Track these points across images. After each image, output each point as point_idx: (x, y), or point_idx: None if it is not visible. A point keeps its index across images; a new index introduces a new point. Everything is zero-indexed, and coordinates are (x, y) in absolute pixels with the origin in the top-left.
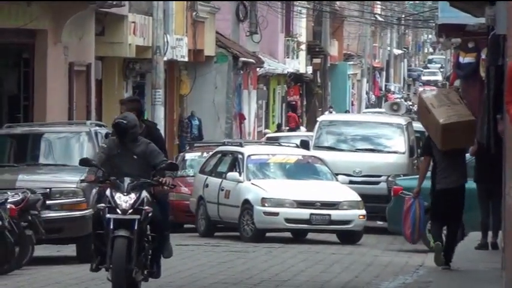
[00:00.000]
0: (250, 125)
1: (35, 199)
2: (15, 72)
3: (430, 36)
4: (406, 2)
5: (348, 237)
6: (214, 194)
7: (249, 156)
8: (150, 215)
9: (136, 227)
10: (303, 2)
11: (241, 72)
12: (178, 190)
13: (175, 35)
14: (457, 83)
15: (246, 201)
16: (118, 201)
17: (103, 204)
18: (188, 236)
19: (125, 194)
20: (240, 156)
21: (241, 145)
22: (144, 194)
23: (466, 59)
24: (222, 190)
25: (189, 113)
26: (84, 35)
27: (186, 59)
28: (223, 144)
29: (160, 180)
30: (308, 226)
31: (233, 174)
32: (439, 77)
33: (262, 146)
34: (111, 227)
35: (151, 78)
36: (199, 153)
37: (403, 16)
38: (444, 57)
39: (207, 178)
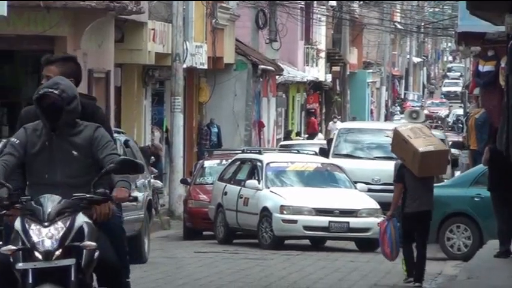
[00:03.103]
0: (270, 132)
1: None
2: (35, 79)
3: (449, 44)
4: (426, 10)
5: (367, 244)
6: (233, 202)
7: (268, 163)
8: (96, 255)
9: (73, 278)
10: (323, 9)
11: (261, 79)
12: (197, 197)
13: (195, 42)
14: (476, 91)
15: (265, 209)
16: (35, 238)
17: (11, 247)
18: (207, 243)
19: (46, 224)
20: (259, 163)
21: (260, 153)
22: (81, 219)
23: (486, 67)
24: (241, 197)
25: (208, 121)
26: (104, 42)
27: (206, 67)
28: (242, 151)
29: (111, 195)
30: (327, 234)
31: (252, 182)
32: (460, 88)
33: (281, 154)
34: (30, 281)
35: (170, 85)
36: (218, 161)
37: (423, 24)
38: (463, 65)
39: (226, 186)
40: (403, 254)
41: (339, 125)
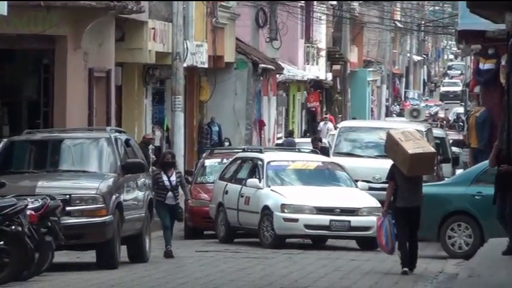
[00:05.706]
0: (270, 131)
1: (55, 205)
2: (35, 78)
3: (450, 42)
4: (426, 8)
5: (368, 243)
6: (234, 200)
7: (268, 162)
8: None
9: None
10: (323, 8)
11: (261, 78)
12: (198, 196)
13: (195, 41)
14: (477, 89)
15: (266, 208)
16: None
17: None
18: (208, 242)
19: None
20: (259, 162)
21: (261, 151)
22: None
23: (486, 65)
24: (242, 196)
25: (208, 119)
26: (104, 41)
27: (206, 65)
28: (243, 150)
29: None
30: (328, 232)
31: (253, 181)
32: (460, 88)
33: (281, 153)
34: None
35: (171, 84)
36: (219, 160)
37: (423, 22)
38: (464, 63)
39: (226, 184)
40: (398, 248)
41: (330, 125)
